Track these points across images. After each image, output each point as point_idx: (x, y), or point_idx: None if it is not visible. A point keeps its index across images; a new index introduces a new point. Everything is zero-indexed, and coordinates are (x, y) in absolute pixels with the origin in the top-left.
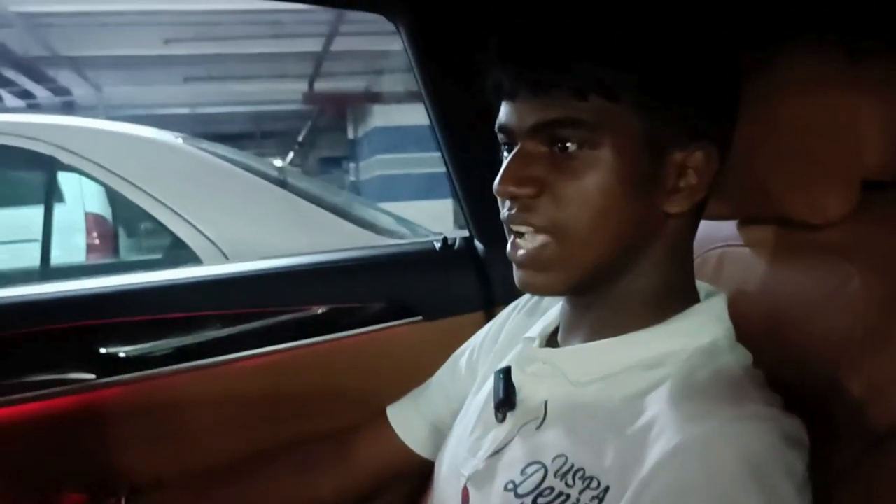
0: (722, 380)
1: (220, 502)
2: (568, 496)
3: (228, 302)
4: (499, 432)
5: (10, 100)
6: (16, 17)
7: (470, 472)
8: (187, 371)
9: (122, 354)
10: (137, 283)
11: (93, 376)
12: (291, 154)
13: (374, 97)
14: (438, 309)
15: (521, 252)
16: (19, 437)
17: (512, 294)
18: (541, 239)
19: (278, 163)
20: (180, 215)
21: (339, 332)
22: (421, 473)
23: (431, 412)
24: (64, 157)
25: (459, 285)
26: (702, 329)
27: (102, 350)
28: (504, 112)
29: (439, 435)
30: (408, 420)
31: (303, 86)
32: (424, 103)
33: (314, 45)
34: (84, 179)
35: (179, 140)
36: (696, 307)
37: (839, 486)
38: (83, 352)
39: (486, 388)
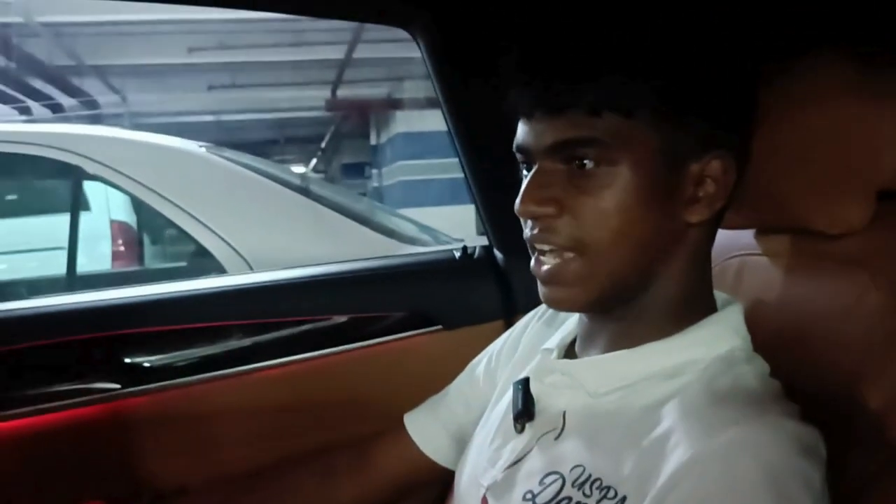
0: (739, 390)
1: None
2: None
3: (251, 312)
4: (518, 443)
5: (37, 109)
6: (42, 27)
7: (489, 483)
8: (211, 380)
9: (146, 364)
10: (161, 294)
11: (118, 386)
12: (315, 160)
13: (397, 103)
14: (458, 318)
15: (545, 268)
16: (46, 445)
17: (532, 303)
18: (564, 255)
19: (301, 170)
20: (204, 224)
21: (360, 341)
22: (440, 482)
23: (449, 420)
24: (89, 167)
25: (479, 294)
26: (719, 339)
27: (127, 360)
28: (521, 132)
29: (457, 443)
30: (425, 428)
31: (325, 93)
32: (443, 114)
33: (336, 53)
34: (109, 188)
35: (203, 149)
36: (714, 317)
37: (858, 496)
38: (108, 362)
39: (505, 399)
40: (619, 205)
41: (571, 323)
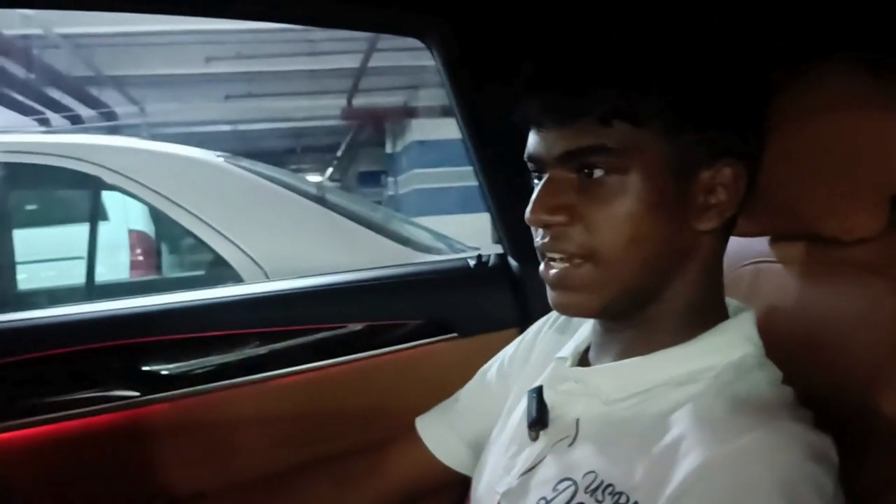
0: (751, 396)
1: None
2: None
3: (268, 320)
4: (532, 450)
5: (56, 120)
6: (61, 38)
7: (504, 490)
8: (228, 388)
9: (164, 372)
10: (179, 302)
11: (137, 393)
12: (331, 169)
13: (412, 112)
14: (473, 326)
15: (553, 272)
16: (66, 452)
17: (546, 311)
18: (575, 262)
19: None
20: (221, 233)
21: (376, 349)
22: (453, 486)
23: (460, 425)
24: (108, 177)
25: (494, 302)
26: (731, 346)
27: (145, 368)
28: (532, 141)
29: (468, 447)
30: (437, 433)
31: (341, 102)
32: (458, 123)
33: (352, 62)
34: (127, 198)
35: (220, 159)
36: (726, 324)
37: (872, 503)
38: (127, 369)
39: (520, 407)
40: (630, 212)
41: (585, 331)
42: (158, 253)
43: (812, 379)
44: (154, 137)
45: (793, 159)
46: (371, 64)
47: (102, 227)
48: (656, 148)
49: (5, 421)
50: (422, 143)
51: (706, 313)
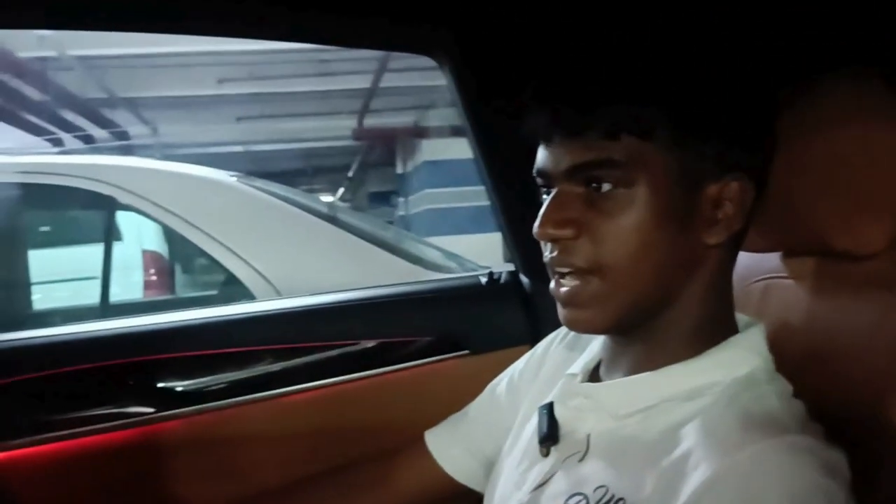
0: (760, 410)
1: None
2: None
3: (281, 337)
4: (543, 466)
5: (69, 141)
6: (75, 60)
7: None
8: (241, 404)
9: (178, 388)
10: (194, 320)
11: (152, 410)
12: (342, 189)
13: (423, 132)
14: (485, 343)
15: (563, 290)
16: (82, 468)
17: (558, 328)
18: (584, 278)
19: (329, 199)
20: (234, 252)
21: (389, 365)
22: (460, 500)
23: (469, 439)
24: (122, 197)
25: (506, 319)
26: (740, 360)
27: (160, 384)
28: (540, 156)
29: (477, 462)
30: (446, 447)
31: (352, 122)
32: (469, 140)
33: (362, 82)
34: (141, 218)
35: (233, 179)
36: (734, 338)
37: None
38: (142, 386)
39: (532, 423)
40: (637, 225)
41: (595, 347)
42: (172, 272)
43: (824, 394)
44: (166, 158)
45: (804, 174)
46: (381, 84)
47: (116, 247)
48: (663, 161)
49: (22, 437)
50: (432, 162)
51: (715, 328)
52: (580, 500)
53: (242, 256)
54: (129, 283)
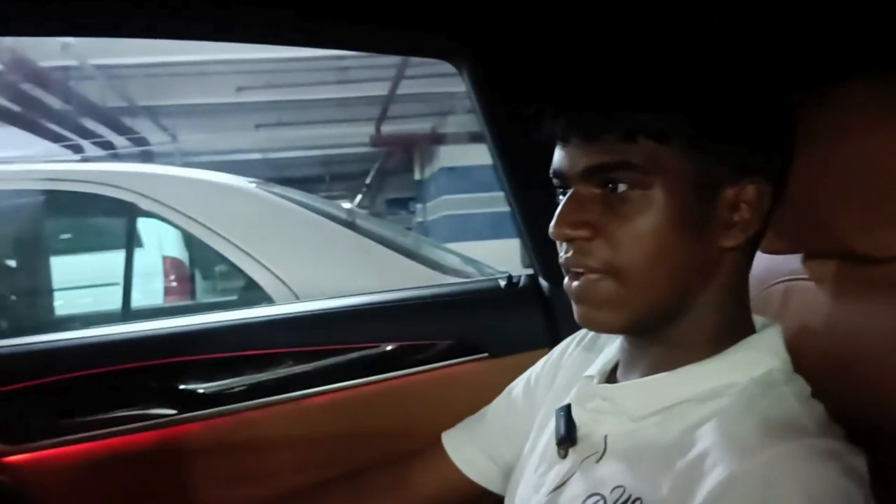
0: (778, 410)
1: None
2: None
3: (301, 340)
4: (561, 468)
5: (91, 149)
6: (95, 69)
7: None
8: (262, 407)
9: (201, 391)
10: (215, 322)
11: (174, 411)
12: (360, 196)
13: (441, 138)
14: (504, 346)
15: (575, 284)
16: (105, 469)
17: (577, 331)
18: (598, 276)
19: (347, 205)
20: (254, 258)
21: (408, 368)
22: (477, 502)
23: (487, 442)
24: (143, 204)
25: (525, 322)
26: (757, 361)
27: (182, 387)
28: (557, 157)
29: (494, 464)
30: (463, 448)
31: (370, 129)
32: (488, 144)
33: (380, 89)
34: (161, 224)
35: (252, 185)
36: (751, 339)
37: None
38: (164, 388)
39: (550, 425)
40: (653, 229)
41: (612, 348)
42: (192, 279)
43: (844, 397)
44: (186, 166)
45: (826, 177)
46: (399, 91)
47: (137, 253)
48: (680, 165)
49: (45, 439)
50: (450, 169)
51: (732, 329)
52: (598, 501)
53: (262, 262)
54: (149, 290)
